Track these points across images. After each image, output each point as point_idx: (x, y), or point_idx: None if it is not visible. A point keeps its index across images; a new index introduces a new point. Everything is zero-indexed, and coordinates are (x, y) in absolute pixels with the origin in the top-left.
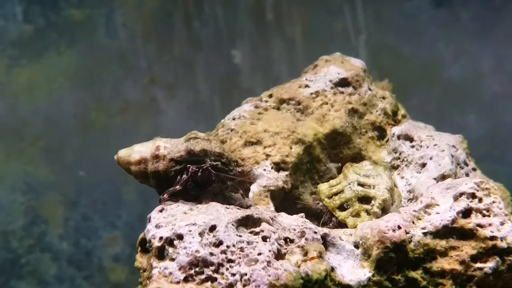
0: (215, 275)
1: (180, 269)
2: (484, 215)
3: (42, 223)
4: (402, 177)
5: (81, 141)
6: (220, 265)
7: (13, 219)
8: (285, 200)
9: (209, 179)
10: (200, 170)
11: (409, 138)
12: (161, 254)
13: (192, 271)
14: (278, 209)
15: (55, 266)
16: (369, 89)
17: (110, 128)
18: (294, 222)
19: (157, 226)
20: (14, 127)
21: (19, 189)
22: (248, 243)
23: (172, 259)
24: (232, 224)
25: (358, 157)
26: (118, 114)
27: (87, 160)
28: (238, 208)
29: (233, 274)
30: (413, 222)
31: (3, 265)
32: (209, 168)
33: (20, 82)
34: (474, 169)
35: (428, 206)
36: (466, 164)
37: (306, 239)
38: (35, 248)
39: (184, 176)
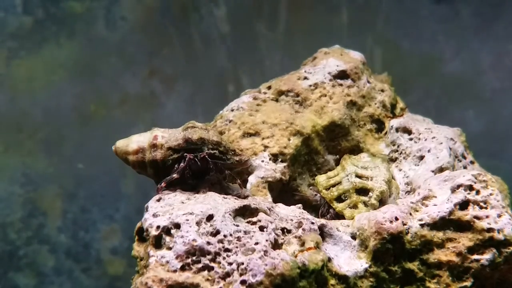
0: (212, 264)
1: (177, 257)
2: (481, 207)
3: (41, 215)
4: (400, 170)
5: (80, 133)
6: (217, 254)
7: (11, 211)
8: (283, 192)
9: (207, 168)
10: (198, 159)
11: (407, 131)
12: (158, 243)
13: (189, 260)
14: (276, 201)
15: (53, 258)
16: (368, 82)
17: (109, 121)
18: (291, 213)
19: (155, 215)
20: (13, 119)
21: (18, 181)
22: (245, 232)
23: (169, 248)
24: (230, 214)
25: (356, 149)
26: (117, 106)
27: (86, 152)
28: (235, 198)
29: (230, 263)
30: (410, 214)
31: (1, 257)
32: (207, 156)
33: (19, 74)
34: (472, 162)
35: (425, 198)
36: (464, 157)
37: (303, 229)
38: (33, 240)
39: (181, 164)
